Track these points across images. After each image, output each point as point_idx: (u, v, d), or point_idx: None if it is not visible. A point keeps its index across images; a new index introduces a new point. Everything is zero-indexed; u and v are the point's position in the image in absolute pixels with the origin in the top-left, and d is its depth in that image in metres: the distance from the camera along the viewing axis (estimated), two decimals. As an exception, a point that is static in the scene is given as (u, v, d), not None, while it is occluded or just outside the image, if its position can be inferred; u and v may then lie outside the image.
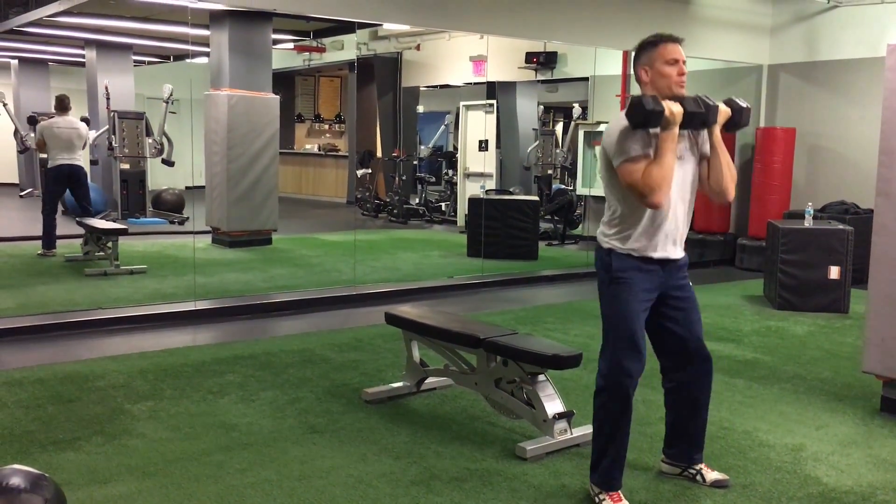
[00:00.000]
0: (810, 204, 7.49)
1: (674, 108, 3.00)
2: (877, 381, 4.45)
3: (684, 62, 3.13)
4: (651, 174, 2.98)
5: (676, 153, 3.06)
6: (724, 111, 3.17)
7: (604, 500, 3.15)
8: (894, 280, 4.24)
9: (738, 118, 3.21)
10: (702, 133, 3.22)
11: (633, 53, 3.21)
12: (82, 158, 9.01)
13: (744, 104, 3.24)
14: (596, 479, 3.21)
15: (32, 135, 14.00)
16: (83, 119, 9.98)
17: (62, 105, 8.90)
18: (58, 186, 8.91)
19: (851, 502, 3.28)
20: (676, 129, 3.02)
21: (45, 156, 9.30)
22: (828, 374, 5.13)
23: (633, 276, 3.13)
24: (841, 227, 7.08)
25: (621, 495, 3.16)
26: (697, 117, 3.08)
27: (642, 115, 2.97)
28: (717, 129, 3.17)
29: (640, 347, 3.14)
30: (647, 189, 2.98)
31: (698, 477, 3.40)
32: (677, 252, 3.22)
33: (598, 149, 11.67)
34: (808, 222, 7.14)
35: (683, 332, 3.27)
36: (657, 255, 3.14)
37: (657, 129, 3.03)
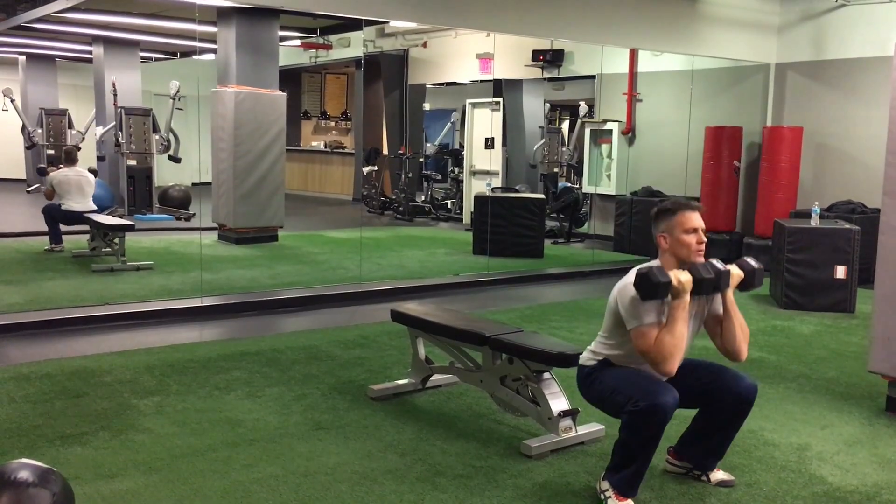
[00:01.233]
0: (817, 203, 7.47)
1: (682, 277, 3.03)
2: (882, 381, 4.45)
3: (704, 230, 3.16)
4: (664, 343, 3.02)
5: (687, 319, 3.08)
6: (735, 274, 3.18)
7: (609, 497, 3.14)
8: (901, 280, 4.23)
9: (752, 279, 3.22)
10: (715, 296, 3.23)
11: (652, 216, 3.26)
12: (93, 203, 9.01)
13: (756, 265, 3.24)
14: (615, 481, 3.15)
15: (40, 130, 14.12)
16: (90, 170, 9.93)
17: (70, 158, 8.97)
18: (63, 219, 8.88)
19: (856, 502, 3.28)
20: (687, 297, 3.05)
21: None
22: (833, 373, 5.12)
23: None
24: (847, 226, 7.07)
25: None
26: (708, 283, 3.09)
27: (650, 289, 2.99)
28: (730, 293, 3.19)
29: (660, 382, 3.11)
30: (661, 357, 3.02)
31: (704, 476, 3.40)
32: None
33: (605, 147, 11.62)
34: (814, 221, 7.13)
35: (707, 375, 3.26)
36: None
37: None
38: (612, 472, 3.18)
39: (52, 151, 13.96)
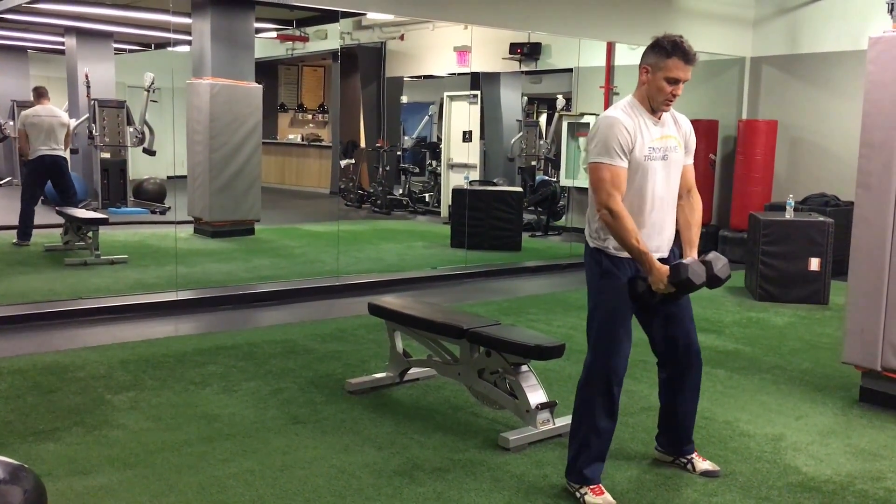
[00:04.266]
0: (791, 196, 7.54)
1: (661, 286, 3.05)
2: (856, 372, 4.49)
3: (684, 82, 3.07)
4: (623, 217, 3.01)
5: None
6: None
7: (585, 493, 3.13)
8: (874, 272, 4.27)
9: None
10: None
11: (648, 46, 3.13)
12: (64, 149, 8.90)
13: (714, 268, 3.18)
14: (573, 477, 3.18)
15: (12, 123, 13.90)
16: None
17: (40, 94, 8.82)
18: (39, 178, 8.80)
19: (830, 491, 3.31)
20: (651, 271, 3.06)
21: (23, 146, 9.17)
22: (807, 364, 5.17)
23: (624, 273, 3.16)
24: (821, 219, 7.14)
25: (602, 488, 3.15)
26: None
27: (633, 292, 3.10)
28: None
29: (623, 343, 3.13)
30: (608, 203, 3.02)
31: (689, 466, 3.43)
32: (664, 249, 3.23)
33: (582, 140, 11.63)
34: (789, 214, 7.18)
35: (672, 329, 3.28)
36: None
37: (640, 151, 3.06)
38: (571, 466, 3.19)
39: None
